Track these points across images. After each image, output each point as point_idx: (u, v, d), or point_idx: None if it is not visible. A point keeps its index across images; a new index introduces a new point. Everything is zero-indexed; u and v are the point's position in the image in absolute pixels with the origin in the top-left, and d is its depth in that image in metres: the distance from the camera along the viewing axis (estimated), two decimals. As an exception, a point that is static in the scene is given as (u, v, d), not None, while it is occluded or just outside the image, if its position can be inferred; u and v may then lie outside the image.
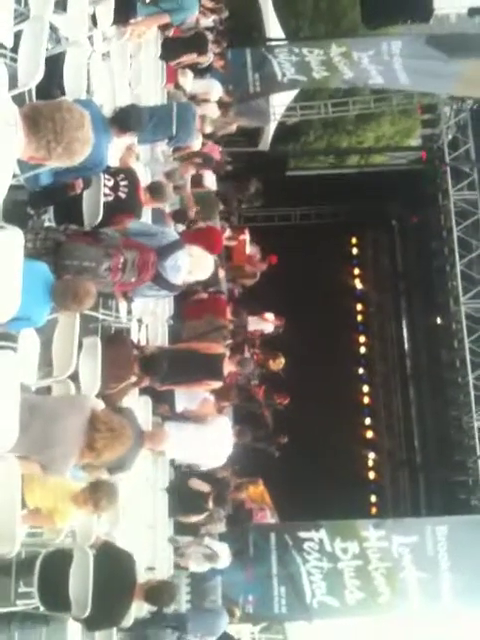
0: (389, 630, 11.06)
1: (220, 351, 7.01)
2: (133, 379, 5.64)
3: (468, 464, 12.20)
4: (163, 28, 7.46)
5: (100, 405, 4.00)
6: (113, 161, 5.36)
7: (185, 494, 7.27)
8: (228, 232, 9.29)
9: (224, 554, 8.00)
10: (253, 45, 11.58)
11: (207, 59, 8.81)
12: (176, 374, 6.31)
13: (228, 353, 7.28)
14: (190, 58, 8.57)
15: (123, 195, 5.20)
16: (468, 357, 12.22)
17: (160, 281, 4.85)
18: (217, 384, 6.86)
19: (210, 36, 8.89)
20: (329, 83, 11.32)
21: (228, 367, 6.99)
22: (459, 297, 12.40)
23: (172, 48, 8.09)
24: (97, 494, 4.42)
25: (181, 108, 6.83)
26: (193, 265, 5.02)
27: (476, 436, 11.92)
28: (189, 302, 8.17)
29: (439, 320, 13.71)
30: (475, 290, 12.40)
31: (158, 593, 5.23)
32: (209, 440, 6.75)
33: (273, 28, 12.12)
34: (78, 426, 3.42)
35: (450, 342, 12.95)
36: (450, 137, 13.08)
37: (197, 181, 8.70)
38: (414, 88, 11.67)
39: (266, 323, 11.40)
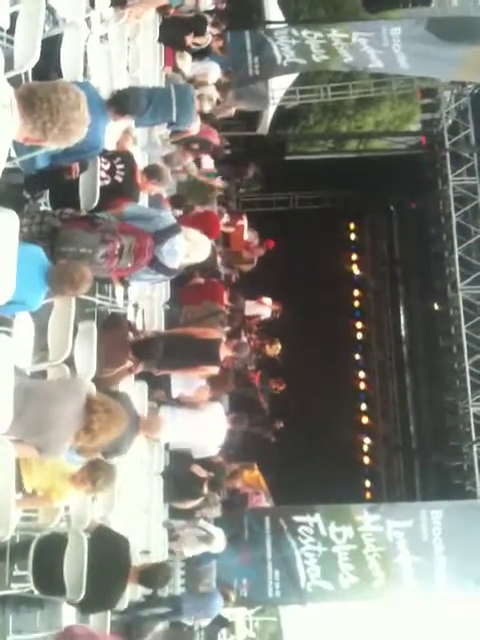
0: (382, 614, 11.15)
1: (216, 336, 7.00)
2: (128, 364, 5.63)
3: (463, 449, 12.25)
4: (161, 10, 7.38)
5: (93, 389, 4.00)
6: (110, 145, 5.32)
7: (181, 479, 7.28)
8: (226, 218, 9.24)
9: (219, 538, 8.04)
10: (252, 28, 11.45)
11: (205, 40, 8.72)
12: (172, 359, 6.31)
13: (224, 338, 7.28)
14: (190, 40, 8.49)
15: (120, 179, 5.17)
16: (465, 343, 12.23)
17: (157, 265, 4.84)
18: (213, 369, 6.85)
19: (209, 18, 8.80)
20: (329, 66, 11.20)
21: (224, 352, 6.99)
22: (457, 283, 12.39)
23: (171, 29, 8.00)
24: (96, 473, 4.42)
25: (179, 91, 6.76)
26: (190, 249, 5.00)
27: (471, 422, 11.96)
28: (186, 287, 8.16)
29: (436, 306, 13.71)
30: (473, 276, 12.38)
31: (152, 575, 5.26)
32: (204, 426, 6.77)
33: (273, 11, 12.00)
34: (73, 410, 3.43)
35: (447, 328, 12.96)
36: (450, 122, 13.01)
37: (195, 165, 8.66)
38: (414, 73, 11.57)
39: (263, 307, 11.39)
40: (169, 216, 5.38)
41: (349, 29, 10.89)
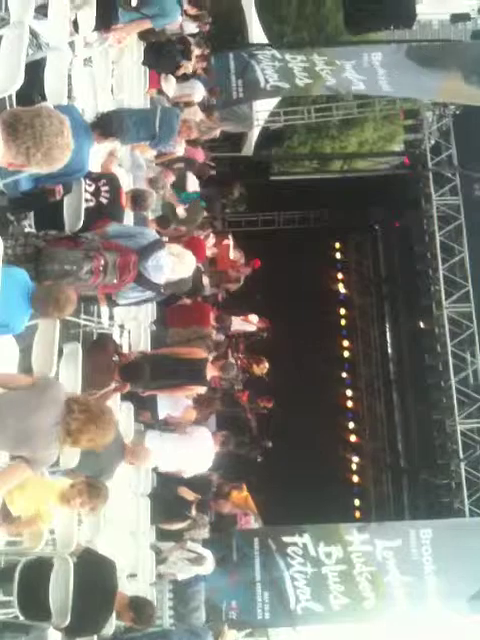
0: (373, 635, 11.05)
1: (203, 356, 7.00)
2: (114, 385, 5.61)
3: (451, 467, 12.24)
4: (145, 34, 7.44)
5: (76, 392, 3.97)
6: (95, 167, 5.35)
7: (168, 500, 7.24)
8: (211, 240, 9.28)
9: (209, 559, 7.97)
10: (236, 49, 11.57)
11: (190, 66, 8.81)
12: (158, 379, 6.30)
13: (211, 358, 7.28)
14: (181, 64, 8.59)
15: (105, 200, 5.19)
16: (451, 361, 12.28)
17: (143, 281, 4.83)
18: (200, 389, 6.84)
19: (193, 41, 8.89)
20: (311, 90, 11.32)
21: (211, 372, 6.98)
22: (442, 301, 12.46)
23: (156, 55, 8.08)
24: (97, 499, 4.41)
25: (165, 111, 6.82)
26: (175, 263, 5.00)
27: (459, 440, 11.96)
28: (173, 307, 8.16)
29: (422, 324, 13.77)
30: (458, 294, 12.46)
31: (140, 607, 5.15)
32: (192, 451, 6.74)
33: (256, 33, 12.14)
34: (54, 414, 3.40)
35: (433, 346, 13.01)
36: (432, 142, 13.15)
37: (180, 184, 8.69)
38: (396, 94, 11.74)
39: (250, 325, 11.40)
40: (152, 232, 5.39)
41: (332, 57, 11.05)
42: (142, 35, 7.40)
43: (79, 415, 3.38)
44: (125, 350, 6.84)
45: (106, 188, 5.27)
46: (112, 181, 5.34)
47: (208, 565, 7.89)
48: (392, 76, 10.81)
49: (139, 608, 5.10)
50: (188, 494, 7.28)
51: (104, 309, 6.02)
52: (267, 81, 10.94)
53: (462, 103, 12.05)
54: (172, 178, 7.63)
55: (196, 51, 9.06)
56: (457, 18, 12.75)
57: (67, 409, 3.41)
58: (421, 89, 11.09)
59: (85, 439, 3.42)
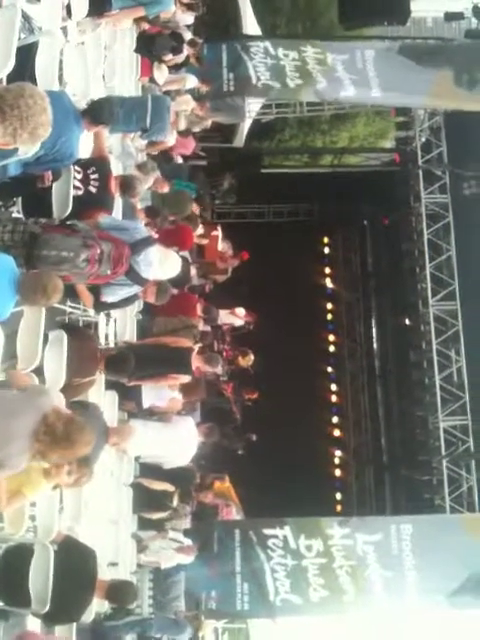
0: (350, 626, 11.15)
1: (188, 344, 7.00)
2: (98, 375, 5.60)
3: (433, 464, 12.33)
4: (138, 21, 7.40)
5: (60, 402, 3.95)
6: (84, 153, 5.30)
7: (150, 490, 7.24)
8: (200, 229, 9.26)
9: (191, 548, 7.99)
10: (229, 40, 11.52)
11: (182, 57, 8.78)
12: (143, 368, 6.28)
13: (196, 348, 7.27)
14: (167, 58, 8.56)
15: (93, 189, 5.16)
16: (435, 358, 12.35)
17: (133, 275, 4.86)
18: (185, 378, 6.81)
19: (186, 31, 8.86)
20: (301, 94, 11.31)
21: (196, 362, 6.97)
22: (428, 299, 12.52)
23: (147, 44, 8.04)
24: (84, 469, 4.36)
25: (156, 100, 6.80)
26: (162, 261, 5.03)
27: (441, 437, 12.04)
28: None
29: (408, 321, 13.83)
30: (444, 292, 12.52)
31: (120, 592, 5.19)
32: (174, 439, 6.73)
33: (250, 24, 12.08)
34: (32, 423, 3.38)
35: (418, 343, 13.07)
36: (423, 140, 13.18)
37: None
38: (384, 102, 11.85)
39: (236, 318, 11.40)
40: (143, 228, 5.41)
41: (325, 50, 11.03)
42: (135, 22, 7.36)
43: (44, 437, 3.35)
44: (111, 339, 6.84)
45: (95, 176, 5.24)
46: (102, 168, 5.30)
47: (190, 554, 7.91)
48: (384, 75, 10.84)
49: (118, 594, 5.13)
50: (153, 484, 7.24)
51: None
52: (259, 78, 10.95)
53: (449, 108, 12.10)
54: (166, 188, 7.61)
55: (188, 37, 9.02)
56: (451, 16, 12.74)
57: (38, 426, 3.37)
58: (411, 93, 11.13)
59: (54, 456, 3.43)
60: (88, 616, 5.16)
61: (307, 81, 10.92)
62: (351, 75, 10.83)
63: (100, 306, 5.35)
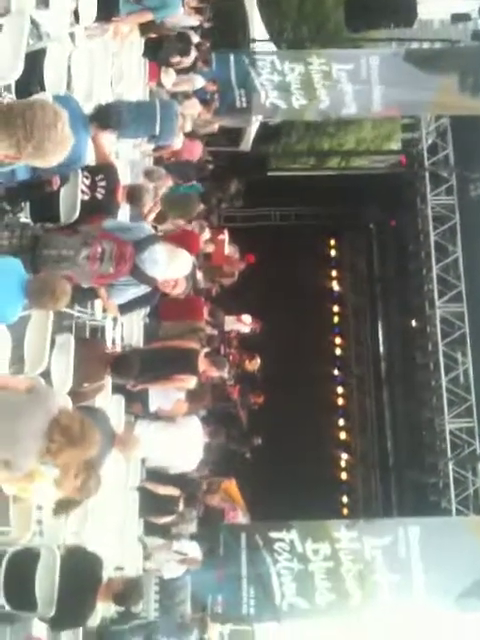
0: (357, 630, 11.10)
1: (195, 346, 6.99)
2: (105, 379, 5.61)
3: (439, 466, 12.31)
4: (146, 26, 7.42)
5: (68, 405, 3.96)
6: (92, 159, 5.32)
7: (156, 494, 7.23)
8: (207, 234, 9.27)
9: (196, 554, 7.97)
10: (237, 46, 11.57)
11: (189, 60, 8.79)
12: (149, 370, 6.28)
13: (203, 352, 7.26)
14: (176, 60, 8.57)
15: (100, 196, 5.17)
16: (442, 360, 12.33)
17: (138, 274, 4.84)
18: (191, 379, 6.76)
19: (194, 35, 8.87)
20: (305, 114, 11.50)
21: (202, 365, 6.96)
22: (434, 301, 12.51)
23: (155, 48, 8.06)
24: (92, 470, 4.36)
25: (164, 105, 6.80)
26: (170, 258, 4.99)
27: (448, 439, 12.03)
28: (166, 301, 8.13)
29: (414, 323, 13.80)
30: (450, 294, 12.51)
31: (126, 593, 5.18)
32: (181, 442, 6.73)
33: (257, 28, 12.11)
34: (40, 427, 3.39)
35: (425, 345, 13.05)
36: (430, 142, 13.17)
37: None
38: (386, 114, 11.93)
39: (242, 325, 11.41)
40: (147, 227, 5.38)
41: (329, 60, 11.07)
42: (143, 28, 7.37)
43: (60, 437, 3.36)
44: (117, 343, 6.84)
45: (103, 183, 5.24)
46: (110, 175, 5.30)
47: (194, 565, 7.89)
48: (388, 83, 10.93)
49: (124, 596, 5.13)
50: (156, 488, 7.22)
51: (98, 301, 5.99)
52: (267, 96, 11.13)
53: (453, 114, 12.11)
54: (170, 183, 7.61)
55: (195, 39, 9.03)
56: (458, 18, 12.72)
57: (51, 427, 3.39)
58: (413, 102, 11.21)
59: (64, 457, 3.43)
60: (93, 621, 5.16)
61: (311, 101, 11.11)
62: (355, 86, 10.93)
63: (122, 309, 5.35)
